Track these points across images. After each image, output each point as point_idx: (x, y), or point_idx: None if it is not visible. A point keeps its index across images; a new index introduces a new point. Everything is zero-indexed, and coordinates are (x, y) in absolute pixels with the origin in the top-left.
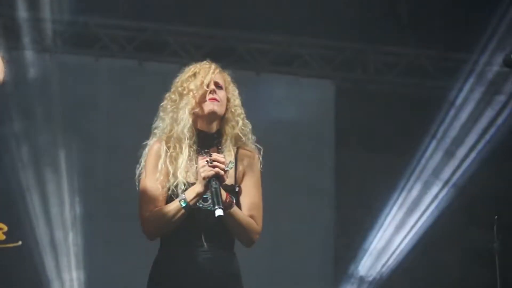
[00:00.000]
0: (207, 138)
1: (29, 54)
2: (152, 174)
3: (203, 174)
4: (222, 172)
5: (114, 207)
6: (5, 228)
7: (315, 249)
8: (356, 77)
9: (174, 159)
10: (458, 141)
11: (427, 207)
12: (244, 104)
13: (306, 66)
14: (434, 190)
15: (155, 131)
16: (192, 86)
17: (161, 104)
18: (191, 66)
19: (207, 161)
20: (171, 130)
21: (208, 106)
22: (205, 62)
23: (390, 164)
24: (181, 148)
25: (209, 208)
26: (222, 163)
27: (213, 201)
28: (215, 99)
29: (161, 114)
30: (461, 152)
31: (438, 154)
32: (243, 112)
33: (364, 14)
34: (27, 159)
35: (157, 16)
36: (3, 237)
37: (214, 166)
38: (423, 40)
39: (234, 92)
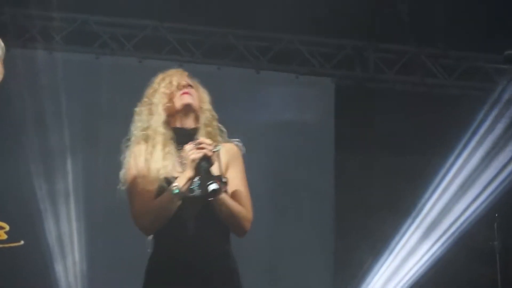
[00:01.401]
0: (185, 135)
1: (29, 52)
2: (136, 172)
3: (191, 157)
4: (210, 153)
5: (116, 205)
6: (7, 228)
7: (314, 249)
8: (356, 75)
9: (153, 155)
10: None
11: (429, 207)
12: (244, 102)
13: (306, 64)
14: (437, 189)
15: (133, 133)
16: (163, 85)
17: (135, 109)
18: (158, 75)
19: (194, 144)
20: (146, 129)
21: (181, 100)
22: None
23: (390, 164)
24: (158, 143)
25: (196, 199)
26: (209, 145)
27: (204, 178)
28: (187, 92)
29: (136, 117)
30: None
31: (439, 154)
32: (216, 115)
33: (364, 11)
34: (28, 158)
35: (157, 14)
36: (5, 237)
37: (201, 148)
38: (423, 38)
39: (206, 96)
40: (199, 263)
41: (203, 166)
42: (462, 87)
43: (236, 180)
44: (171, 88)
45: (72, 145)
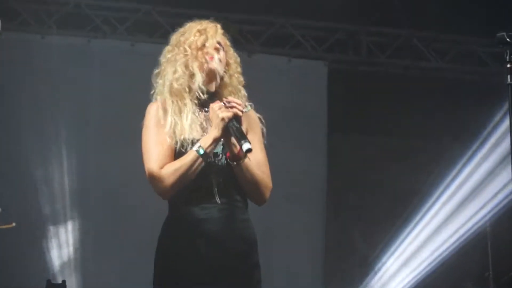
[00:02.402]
0: (208, 97)
1: (21, 36)
2: (158, 129)
3: (221, 115)
4: (240, 113)
5: (107, 186)
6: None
7: (306, 230)
8: (348, 58)
9: (178, 112)
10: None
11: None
12: None
13: (299, 48)
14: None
15: (157, 84)
16: (197, 43)
17: (160, 58)
18: (195, 23)
19: (223, 103)
20: (172, 85)
21: (209, 64)
22: (209, 21)
23: (382, 146)
24: (183, 102)
25: (220, 164)
26: (239, 104)
27: (237, 138)
28: (213, 57)
29: (162, 67)
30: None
31: (431, 136)
32: (243, 81)
33: None
34: (19, 141)
35: None
36: None
37: (231, 107)
38: (416, 21)
39: (235, 58)
40: (219, 230)
41: (234, 125)
42: (454, 71)
43: (256, 146)
44: (204, 48)
45: (63, 128)
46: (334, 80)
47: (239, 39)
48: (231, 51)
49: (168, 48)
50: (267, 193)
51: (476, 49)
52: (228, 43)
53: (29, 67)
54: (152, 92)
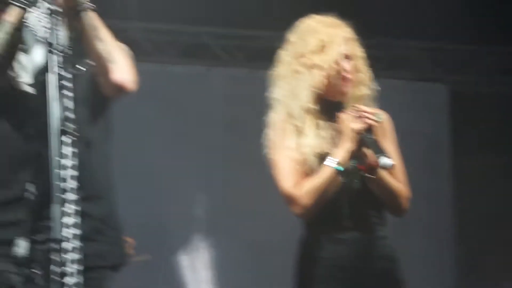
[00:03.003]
0: (332, 108)
1: (141, 66)
2: (285, 146)
3: (354, 127)
4: (375, 124)
5: (237, 211)
6: (134, 243)
7: (434, 258)
8: (470, 80)
9: (302, 126)
10: None
11: None
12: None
13: (418, 70)
14: None
15: (275, 102)
16: (319, 62)
17: (277, 68)
18: (316, 31)
19: (353, 113)
20: (292, 103)
21: (342, 88)
22: (331, 25)
23: (509, 168)
24: (308, 118)
25: (353, 178)
26: (372, 114)
27: (376, 151)
28: (349, 79)
29: (280, 83)
30: None
31: None
32: (370, 75)
33: (477, 14)
34: (150, 170)
35: (268, 25)
36: (132, 252)
37: (363, 117)
38: None
39: (361, 53)
40: (359, 250)
41: (370, 139)
42: None
43: (391, 154)
44: (331, 70)
45: (191, 155)
46: (456, 102)
47: None
48: (357, 46)
49: (285, 58)
50: (405, 203)
51: None
52: (353, 37)
53: (150, 97)
54: (272, 99)
